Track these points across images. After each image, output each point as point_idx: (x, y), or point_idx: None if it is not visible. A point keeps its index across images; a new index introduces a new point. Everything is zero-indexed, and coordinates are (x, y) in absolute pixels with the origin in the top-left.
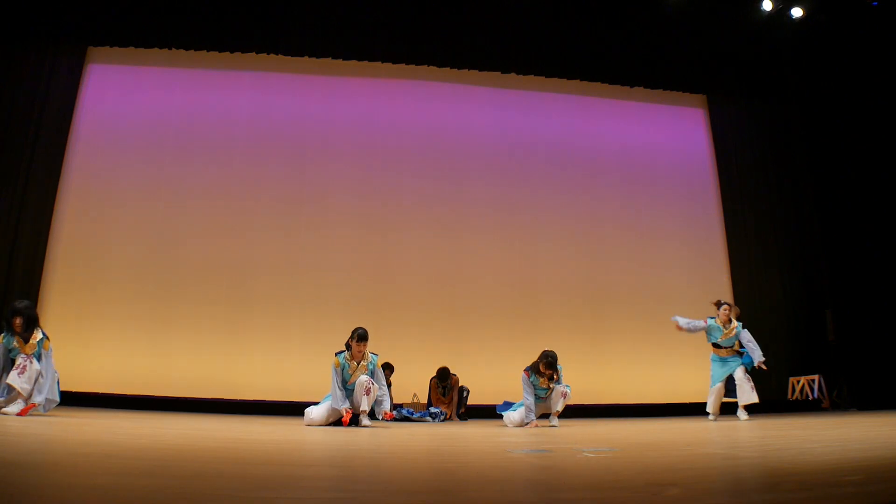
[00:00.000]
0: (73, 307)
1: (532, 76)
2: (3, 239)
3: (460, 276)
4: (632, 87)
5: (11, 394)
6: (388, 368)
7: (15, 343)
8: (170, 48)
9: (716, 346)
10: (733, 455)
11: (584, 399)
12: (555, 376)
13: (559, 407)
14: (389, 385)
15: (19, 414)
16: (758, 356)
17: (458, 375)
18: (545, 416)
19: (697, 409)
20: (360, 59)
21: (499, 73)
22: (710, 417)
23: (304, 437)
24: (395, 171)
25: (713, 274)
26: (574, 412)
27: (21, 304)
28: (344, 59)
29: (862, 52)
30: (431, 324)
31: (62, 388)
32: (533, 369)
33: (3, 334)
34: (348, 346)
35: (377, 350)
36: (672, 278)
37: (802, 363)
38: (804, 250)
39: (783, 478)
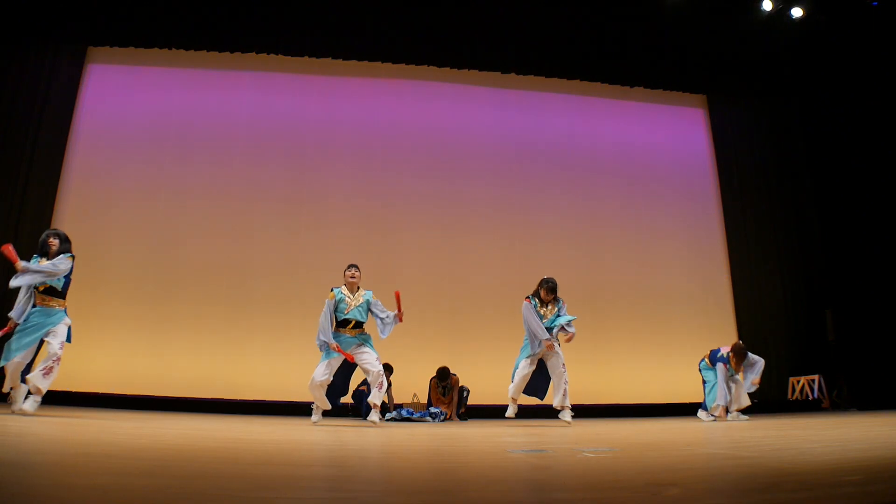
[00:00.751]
0: (73, 307)
1: (532, 76)
2: (3, 239)
3: (460, 275)
4: (632, 87)
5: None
6: (387, 369)
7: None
8: (170, 48)
9: None
10: (733, 455)
11: (584, 399)
12: (561, 303)
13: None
14: (389, 385)
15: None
16: (758, 369)
17: (458, 375)
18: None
19: (697, 410)
20: (360, 59)
21: (499, 73)
22: (706, 417)
23: (304, 437)
24: (395, 171)
25: (713, 274)
26: (574, 412)
27: (58, 230)
28: (344, 59)
29: (862, 52)
30: (431, 323)
31: (62, 389)
32: (534, 296)
33: (35, 256)
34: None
35: (377, 350)
36: (672, 278)
37: (802, 363)
38: (804, 250)
39: (783, 478)
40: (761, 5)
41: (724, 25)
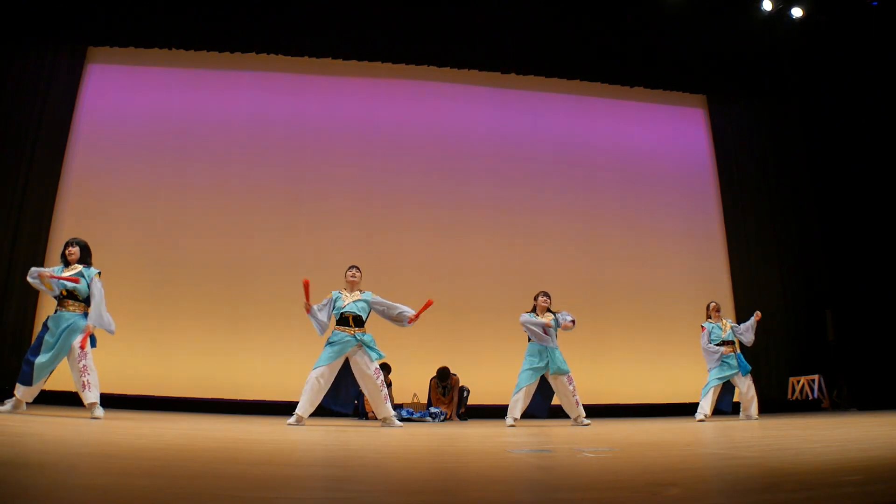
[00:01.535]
0: None
1: (532, 76)
2: (3, 239)
3: (460, 275)
4: (632, 87)
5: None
6: (384, 368)
7: (64, 270)
8: (170, 48)
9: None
10: (733, 455)
11: (584, 399)
12: (555, 314)
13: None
14: (389, 385)
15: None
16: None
17: (458, 375)
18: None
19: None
20: (359, 59)
21: (499, 73)
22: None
23: (304, 437)
24: (395, 171)
25: (713, 274)
26: None
27: (78, 239)
28: (344, 59)
29: (862, 53)
30: (431, 323)
31: (61, 389)
32: (531, 311)
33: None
34: None
35: (382, 352)
36: (672, 278)
37: (802, 363)
38: (804, 250)
39: (783, 478)
40: (761, 5)
41: (723, 25)
